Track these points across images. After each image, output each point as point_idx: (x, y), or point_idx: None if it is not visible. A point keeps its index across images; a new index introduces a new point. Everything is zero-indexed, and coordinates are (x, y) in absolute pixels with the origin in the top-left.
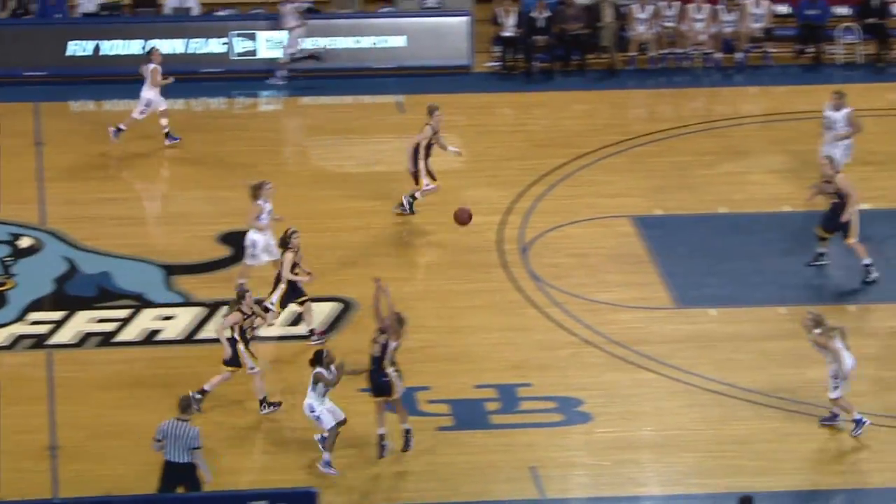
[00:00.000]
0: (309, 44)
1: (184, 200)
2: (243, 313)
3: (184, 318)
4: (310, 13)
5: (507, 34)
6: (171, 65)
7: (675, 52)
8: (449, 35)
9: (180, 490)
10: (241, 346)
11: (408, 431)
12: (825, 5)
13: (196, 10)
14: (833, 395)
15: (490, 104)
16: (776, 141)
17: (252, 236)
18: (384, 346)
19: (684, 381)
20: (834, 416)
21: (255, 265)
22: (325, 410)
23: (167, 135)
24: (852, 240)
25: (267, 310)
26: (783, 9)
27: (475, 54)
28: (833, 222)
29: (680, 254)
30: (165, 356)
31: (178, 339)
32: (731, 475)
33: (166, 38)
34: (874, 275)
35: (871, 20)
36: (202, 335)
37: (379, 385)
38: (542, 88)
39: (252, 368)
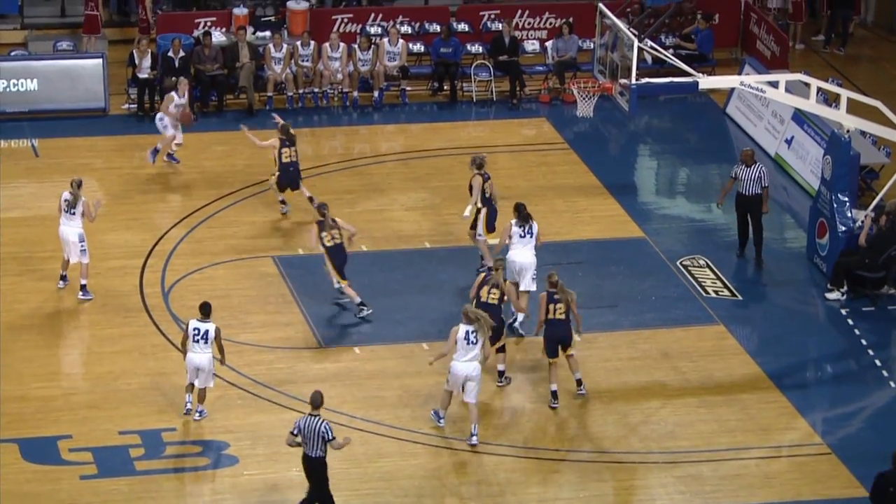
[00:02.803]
0: None
1: None
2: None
3: None
4: None
5: (142, 76)
6: None
7: (313, 91)
8: (83, 77)
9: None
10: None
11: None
12: (458, 43)
13: None
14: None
15: (127, 146)
16: (414, 178)
17: (82, 232)
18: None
19: (330, 420)
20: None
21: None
22: None
23: None
24: None
25: None
26: (418, 47)
27: (110, 96)
28: None
29: (324, 293)
30: None
31: None
32: None
33: None
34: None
35: (502, 58)
36: None
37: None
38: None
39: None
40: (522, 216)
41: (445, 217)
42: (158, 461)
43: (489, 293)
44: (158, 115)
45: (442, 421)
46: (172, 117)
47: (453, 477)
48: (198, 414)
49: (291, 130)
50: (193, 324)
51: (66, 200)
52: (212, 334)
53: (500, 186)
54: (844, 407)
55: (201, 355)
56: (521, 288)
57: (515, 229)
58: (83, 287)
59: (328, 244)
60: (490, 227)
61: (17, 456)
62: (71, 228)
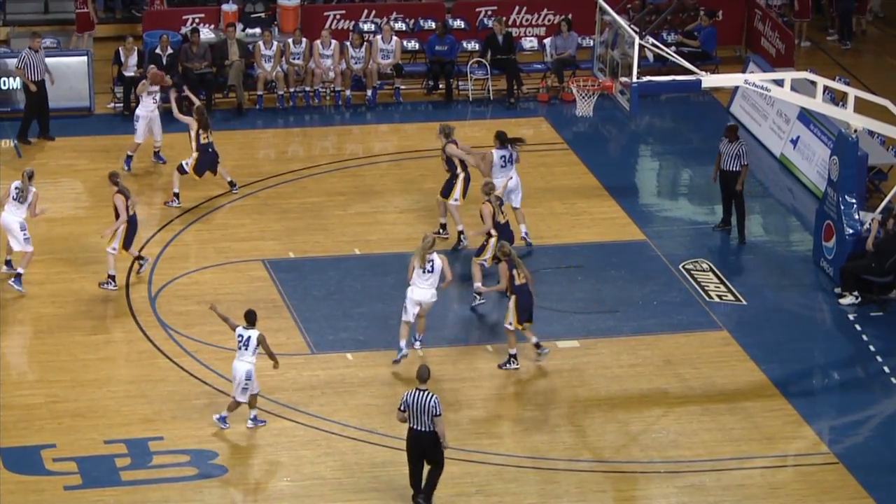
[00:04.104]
0: None
1: None
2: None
3: None
4: None
5: (129, 74)
6: None
7: (304, 90)
8: (67, 76)
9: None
10: None
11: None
12: (454, 41)
13: None
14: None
15: (113, 147)
16: (408, 180)
17: (24, 221)
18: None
19: (322, 428)
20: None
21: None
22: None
23: None
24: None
25: None
26: (412, 44)
27: (95, 95)
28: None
29: (315, 297)
30: None
31: None
32: None
33: None
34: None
35: (498, 56)
36: None
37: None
38: (167, 130)
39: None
40: (503, 142)
41: (440, 220)
42: (145, 471)
43: (503, 214)
44: (135, 115)
45: (403, 350)
46: (146, 108)
47: (449, 487)
48: (251, 421)
49: (206, 114)
50: (238, 330)
51: (16, 188)
52: (253, 342)
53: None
54: (852, 415)
55: (243, 363)
56: (514, 205)
57: (497, 158)
58: (18, 276)
59: (131, 212)
60: (465, 193)
61: None
62: (13, 217)
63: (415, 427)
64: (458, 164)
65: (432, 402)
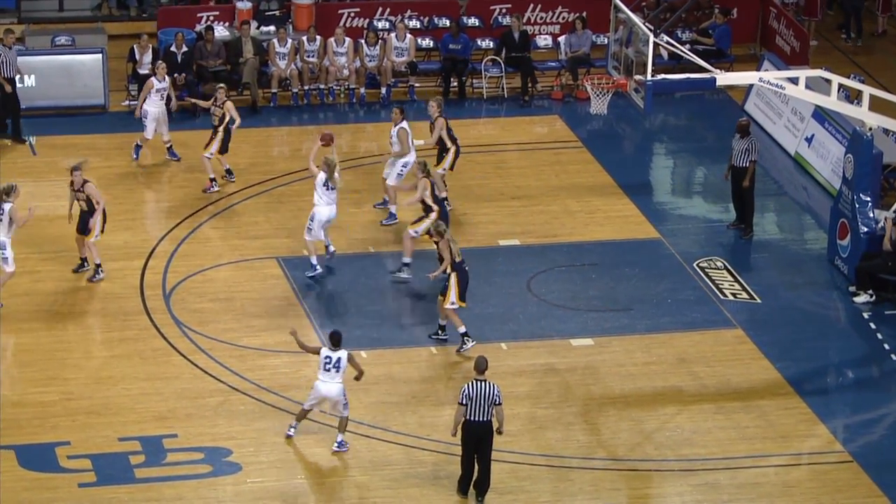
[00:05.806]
0: None
1: None
2: None
3: None
4: None
5: (143, 71)
6: None
7: (319, 88)
8: (82, 73)
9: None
10: None
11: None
12: (467, 40)
13: None
14: None
15: (128, 144)
16: None
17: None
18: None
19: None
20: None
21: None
22: None
23: None
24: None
25: None
26: (427, 42)
27: (110, 93)
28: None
29: (329, 295)
30: None
31: None
32: None
33: None
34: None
35: (513, 54)
36: None
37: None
38: (182, 127)
39: None
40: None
41: (456, 217)
42: (159, 468)
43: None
44: (143, 111)
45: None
46: (154, 104)
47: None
48: (336, 445)
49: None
50: (325, 352)
51: None
52: (344, 362)
53: (511, 186)
54: (866, 413)
55: (331, 384)
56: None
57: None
58: None
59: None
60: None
61: (13, 463)
62: None
63: (471, 418)
64: (446, 138)
65: (495, 391)
